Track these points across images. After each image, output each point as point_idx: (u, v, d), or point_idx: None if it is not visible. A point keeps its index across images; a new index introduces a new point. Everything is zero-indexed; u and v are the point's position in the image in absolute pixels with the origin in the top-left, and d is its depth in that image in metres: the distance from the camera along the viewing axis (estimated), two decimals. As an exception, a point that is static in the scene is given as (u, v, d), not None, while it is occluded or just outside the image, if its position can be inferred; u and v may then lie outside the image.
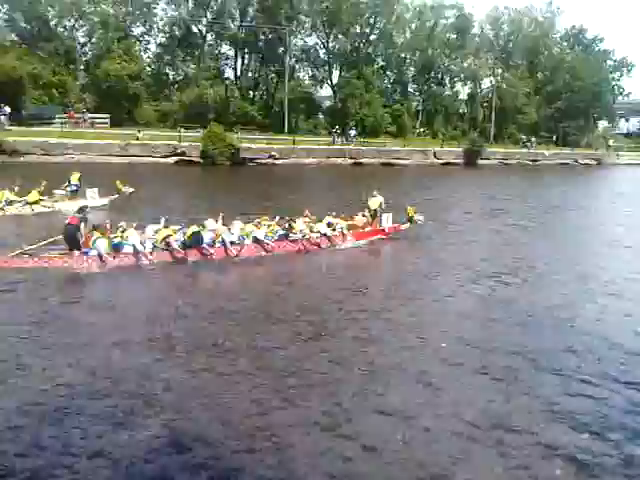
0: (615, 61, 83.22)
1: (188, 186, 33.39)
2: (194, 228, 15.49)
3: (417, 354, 9.90)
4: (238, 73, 62.58)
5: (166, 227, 15.49)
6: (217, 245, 15.77)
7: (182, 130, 46.24)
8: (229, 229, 16.29)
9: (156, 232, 15.37)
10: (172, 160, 42.62)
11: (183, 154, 43.12)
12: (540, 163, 64.27)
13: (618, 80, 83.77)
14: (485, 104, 73.05)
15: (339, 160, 49.88)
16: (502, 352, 10.16)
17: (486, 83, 75.31)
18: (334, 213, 18.73)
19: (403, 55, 68.67)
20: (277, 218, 17.62)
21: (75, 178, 23.00)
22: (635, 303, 13.51)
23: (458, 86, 74.95)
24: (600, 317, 12.37)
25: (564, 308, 12.89)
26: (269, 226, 17.04)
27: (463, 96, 75.57)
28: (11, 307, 11.39)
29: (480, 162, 58.81)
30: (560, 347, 10.53)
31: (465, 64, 72.40)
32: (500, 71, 74.24)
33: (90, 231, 14.64)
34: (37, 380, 8.29)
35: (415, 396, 8.42)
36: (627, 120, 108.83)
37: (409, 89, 71.42)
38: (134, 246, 14.62)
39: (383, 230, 19.51)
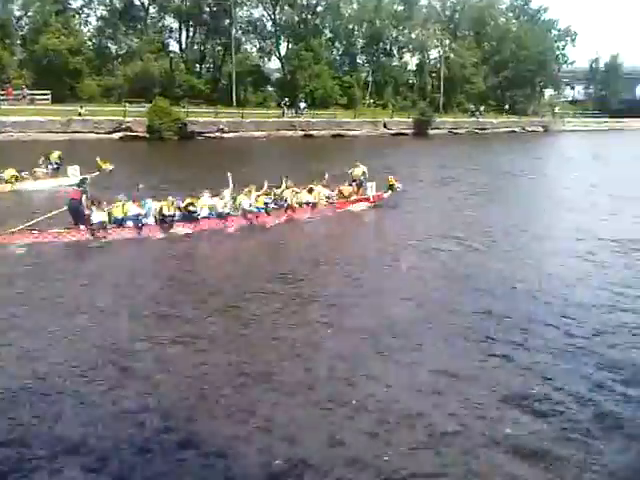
0: (559, 30, 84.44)
1: (136, 162, 32.04)
2: (188, 200, 16.02)
3: (388, 317, 10.07)
4: (183, 46, 61.09)
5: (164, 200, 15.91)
6: (211, 216, 16.26)
7: (127, 105, 45.04)
8: (221, 199, 16.58)
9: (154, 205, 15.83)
10: (117, 136, 41.60)
11: (128, 129, 42.12)
12: (489, 131, 65.13)
13: (562, 49, 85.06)
14: (434, 74, 73.32)
15: (289, 133, 49.58)
16: (459, 312, 10.42)
17: (434, 54, 75.68)
18: (321, 181, 19.32)
19: (351, 26, 68.05)
20: (265, 187, 17.70)
21: (55, 157, 23.54)
22: (583, 260, 14.02)
23: (407, 57, 74.91)
24: (552, 275, 12.84)
25: (519, 268, 13.33)
26: (257, 196, 17.15)
27: (412, 67, 75.52)
28: (25, 281, 11.55)
29: (430, 132, 59.28)
30: (511, 306, 10.86)
31: (413, 35, 72.37)
32: (448, 42, 74.42)
33: (91, 205, 15.05)
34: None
35: (383, 357, 8.56)
36: (572, 88, 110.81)
37: (358, 60, 70.89)
38: (135, 218, 15.20)
39: (368, 198, 20.06)
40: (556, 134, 69.07)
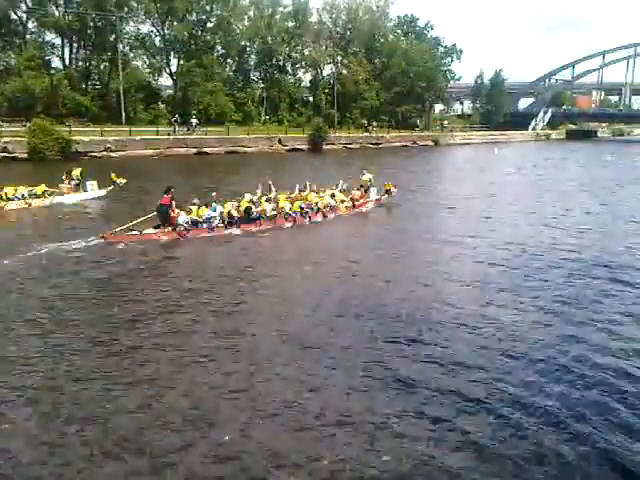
0: (445, 47, 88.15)
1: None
2: (245, 204, 18.77)
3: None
4: (67, 62, 58.44)
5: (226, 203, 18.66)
6: (263, 218, 18.94)
7: (4, 124, 42.37)
8: (270, 203, 19.52)
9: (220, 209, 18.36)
10: (-7, 157, 38.91)
11: (5, 150, 39.51)
12: (382, 146, 66.53)
13: (449, 65, 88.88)
14: (327, 90, 74.31)
15: (181, 150, 48.33)
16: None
17: (327, 70, 76.91)
18: (340, 187, 23.17)
19: (243, 43, 67.82)
20: (297, 191, 21.39)
21: (77, 173, 25.20)
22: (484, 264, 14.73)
23: (300, 73, 75.78)
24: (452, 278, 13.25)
25: (423, 273, 13.56)
26: (294, 201, 20.18)
27: (306, 83, 76.45)
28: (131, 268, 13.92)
29: (325, 147, 59.77)
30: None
31: (305, 51, 73.22)
32: (340, 58, 75.85)
33: (175, 209, 17.47)
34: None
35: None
36: (461, 102, 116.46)
37: (252, 77, 70.97)
38: (208, 220, 17.80)
39: (372, 201, 23.96)
40: (446, 147, 71.73)
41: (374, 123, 71.56)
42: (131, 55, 61.94)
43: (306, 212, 20.00)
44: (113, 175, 24.82)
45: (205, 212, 17.83)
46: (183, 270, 14.15)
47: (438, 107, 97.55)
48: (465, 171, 43.54)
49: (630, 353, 9.21)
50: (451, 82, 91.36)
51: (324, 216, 20.67)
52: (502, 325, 10.38)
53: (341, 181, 23.69)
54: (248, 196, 19.46)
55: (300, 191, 21.37)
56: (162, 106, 62.72)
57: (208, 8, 62.71)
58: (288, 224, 19.28)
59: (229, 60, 69.05)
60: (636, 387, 8.05)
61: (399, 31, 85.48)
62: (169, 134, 50.10)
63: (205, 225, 17.76)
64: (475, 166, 48.00)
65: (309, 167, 42.73)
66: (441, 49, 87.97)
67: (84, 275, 13.17)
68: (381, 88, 77.50)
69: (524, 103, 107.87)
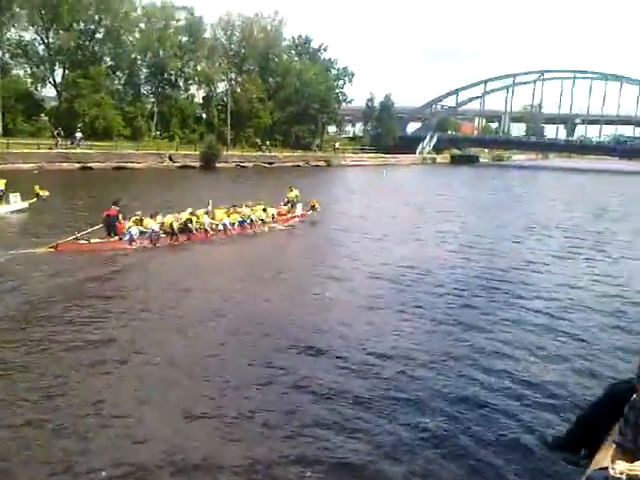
0: (338, 69, 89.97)
1: None
2: (187, 216, 19.89)
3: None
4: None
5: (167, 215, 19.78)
6: (201, 229, 20.32)
7: None
8: (208, 216, 20.84)
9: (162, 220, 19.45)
10: None
11: None
12: (275, 165, 66.72)
13: (342, 88, 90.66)
14: (220, 107, 73.68)
15: (64, 165, 46.12)
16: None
17: (221, 87, 76.22)
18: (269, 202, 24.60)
19: (134, 56, 65.94)
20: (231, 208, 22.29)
21: (1, 184, 24.84)
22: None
23: (193, 89, 74.59)
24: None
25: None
26: (231, 214, 21.74)
27: (199, 99, 75.35)
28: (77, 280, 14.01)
29: (218, 165, 59.11)
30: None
31: (199, 67, 72.22)
32: (234, 75, 75.56)
33: (122, 220, 18.43)
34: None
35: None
36: (353, 125, 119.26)
37: (142, 91, 68.99)
38: (152, 231, 18.68)
39: (298, 215, 25.60)
40: (338, 168, 72.98)
41: (267, 142, 71.72)
42: (12, 63, 58.61)
43: (243, 225, 22.04)
44: (36, 187, 24.94)
45: (150, 224, 18.82)
46: (127, 280, 14.96)
47: (331, 129, 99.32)
48: (358, 192, 44.57)
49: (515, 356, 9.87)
50: (343, 104, 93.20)
51: (257, 228, 22.70)
52: (397, 337, 10.86)
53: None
54: (189, 210, 20.39)
55: (234, 206, 22.58)
56: (45, 118, 59.64)
57: (97, 18, 60.60)
58: (224, 236, 20.98)
59: (118, 73, 66.76)
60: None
61: (293, 51, 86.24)
62: (51, 148, 47.69)
63: (148, 235, 18.70)
64: (368, 187, 49.34)
65: (202, 185, 42.03)
66: (334, 71, 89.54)
67: (36, 282, 13.46)
68: (275, 107, 77.82)
69: (412, 127, 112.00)
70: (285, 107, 78.86)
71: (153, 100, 68.41)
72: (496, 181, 62.83)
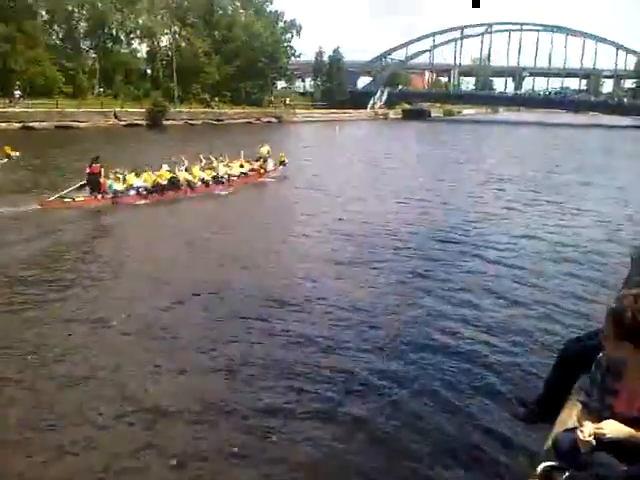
0: (285, 22, 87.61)
1: None
2: (167, 173, 20.28)
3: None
4: None
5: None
6: (183, 186, 20.62)
7: None
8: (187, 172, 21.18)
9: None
10: None
11: None
12: (225, 122, 65.10)
13: (290, 41, 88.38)
14: (165, 62, 71.06)
15: (3, 125, 43.70)
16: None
17: (164, 41, 73.34)
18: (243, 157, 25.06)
19: (70, 8, 62.51)
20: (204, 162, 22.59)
21: None
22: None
23: (136, 44, 71.65)
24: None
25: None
26: (208, 169, 22.17)
27: (143, 54, 72.49)
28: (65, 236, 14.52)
29: (165, 123, 57.31)
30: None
31: (140, 20, 69.18)
32: (177, 29, 72.71)
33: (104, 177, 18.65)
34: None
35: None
36: (303, 80, 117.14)
37: (82, 46, 65.80)
38: (137, 188, 19.16)
39: (271, 170, 26.20)
40: (289, 125, 71.75)
41: (216, 99, 69.77)
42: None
43: (220, 180, 22.25)
44: (6, 148, 24.02)
45: (134, 180, 19.18)
46: (113, 237, 15.71)
47: (281, 84, 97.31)
48: (314, 148, 43.92)
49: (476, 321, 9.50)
50: (292, 59, 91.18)
51: (229, 183, 22.87)
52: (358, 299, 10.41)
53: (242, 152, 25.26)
54: (165, 167, 20.69)
55: (209, 162, 22.86)
56: (-22, 75, 56.24)
57: (29, -32, 57.06)
58: (202, 192, 21.17)
59: (55, 27, 63.46)
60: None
61: (238, 3, 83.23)
62: (-13, 107, 45.19)
63: (133, 192, 19.07)
64: (322, 143, 48.72)
65: (153, 144, 40.61)
66: (281, 24, 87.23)
67: (23, 241, 13.60)
68: (222, 62, 75.47)
69: (363, 82, 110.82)
70: (232, 62, 76.52)
71: (94, 56, 65.43)
72: (448, 136, 62.94)
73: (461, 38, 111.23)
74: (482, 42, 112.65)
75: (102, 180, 18.49)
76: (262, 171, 25.67)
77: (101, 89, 63.22)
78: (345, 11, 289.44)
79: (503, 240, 15.37)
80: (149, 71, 72.29)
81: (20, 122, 45.00)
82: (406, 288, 11.21)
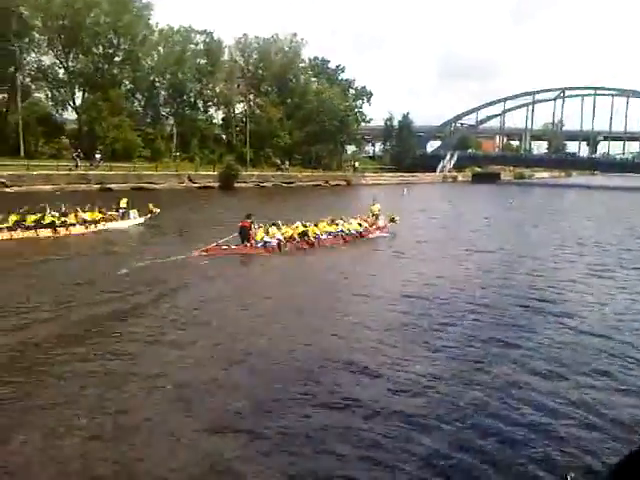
0: (356, 89, 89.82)
1: None
2: (300, 227, 23.29)
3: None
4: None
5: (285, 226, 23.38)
6: (312, 238, 23.25)
7: None
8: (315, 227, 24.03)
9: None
10: None
11: None
12: (295, 185, 66.32)
13: (360, 107, 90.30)
14: (240, 128, 73.75)
15: (83, 186, 46.01)
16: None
17: (239, 108, 76.41)
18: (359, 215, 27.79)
19: (152, 78, 66.29)
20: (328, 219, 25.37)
21: (123, 202, 28.69)
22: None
23: (212, 110, 74.94)
24: None
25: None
26: (333, 225, 25.09)
27: (218, 120, 75.65)
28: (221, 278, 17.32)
29: (237, 185, 58.87)
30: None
31: (217, 89, 72.47)
32: (252, 97, 75.65)
33: (256, 229, 22.15)
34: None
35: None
36: (373, 144, 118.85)
37: (162, 112, 69.31)
38: (278, 239, 22.11)
39: (382, 227, 27.75)
40: (357, 187, 72.35)
41: (287, 162, 71.47)
42: (33, 87, 59.18)
43: (340, 235, 24.75)
44: (150, 205, 28.53)
45: (275, 233, 22.32)
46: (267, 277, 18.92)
47: (350, 148, 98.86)
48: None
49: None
50: (362, 124, 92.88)
51: (355, 238, 25.47)
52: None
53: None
54: (298, 222, 23.67)
55: (332, 220, 25.46)
56: (65, 140, 59.92)
57: (115, 42, 61.03)
58: (327, 245, 23.69)
59: (138, 95, 67.26)
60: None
61: (311, 72, 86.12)
62: (70, 169, 47.71)
63: (274, 243, 21.96)
64: (389, 205, 48.53)
65: (224, 204, 41.68)
66: (352, 91, 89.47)
67: (199, 280, 16.71)
68: (294, 127, 77.67)
69: (432, 146, 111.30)
70: (304, 127, 78.63)
71: (172, 122, 68.65)
72: (520, 200, 61.60)
73: (533, 103, 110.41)
74: (554, 106, 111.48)
75: (251, 232, 21.75)
76: (374, 227, 27.32)
77: (177, 153, 65.94)
78: (416, 76, 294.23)
79: (588, 306, 14.80)
80: (224, 136, 75.11)
81: (99, 183, 47.27)
82: (485, 356, 10.79)
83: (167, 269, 17.47)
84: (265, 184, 63.15)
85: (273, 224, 22.86)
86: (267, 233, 22.16)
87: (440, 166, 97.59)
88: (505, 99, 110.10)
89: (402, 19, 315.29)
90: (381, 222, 28.04)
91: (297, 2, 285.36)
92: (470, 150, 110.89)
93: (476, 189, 79.24)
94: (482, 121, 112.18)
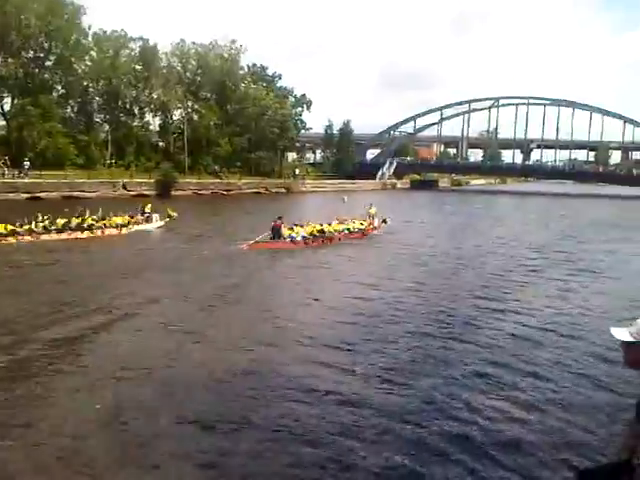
0: (295, 97, 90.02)
1: None
2: (318, 226, 27.77)
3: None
4: None
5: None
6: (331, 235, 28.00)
7: None
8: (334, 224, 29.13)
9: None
10: None
11: None
12: (234, 192, 65.75)
13: (300, 115, 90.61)
14: (178, 135, 72.71)
15: (11, 195, 44.32)
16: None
17: (177, 115, 75.33)
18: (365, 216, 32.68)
19: (86, 83, 64.58)
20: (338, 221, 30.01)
21: (148, 207, 32.11)
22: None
23: (149, 117, 73.56)
24: None
25: None
26: (341, 224, 29.63)
27: (155, 127, 74.28)
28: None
29: (174, 193, 57.91)
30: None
31: (154, 95, 71.25)
32: (190, 103, 74.69)
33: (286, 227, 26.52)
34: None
35: None
36: (313, 152, 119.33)
37: (96, 119, 67.65)
38: (303, 236, 26.48)
39: (377, 227, 31.83)
40: (297, 195, 72.37)
41: (224, 169, 70.88)
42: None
43: (346, 233, 29.03)
44: (169, 209, 32.48)
45: (300, 231, 26.66)
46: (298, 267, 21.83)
47: (291, 155, 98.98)
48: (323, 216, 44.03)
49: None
50: (303, 131, 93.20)
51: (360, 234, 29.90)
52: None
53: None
54: (313, 222, 28.17)
55: (340, 221, 30.02)
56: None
57: (46, 46, 59.23)
58: (342, 240, 28.16)
59: (70, 101, 65.38)
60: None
61: (250, 79, 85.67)
62: (-4, 178, 45.97)
63: (301, 238, 26.33)
64: (330, 211, 48.86)
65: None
66: (292, 99, 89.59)
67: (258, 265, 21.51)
68: (234, 134, 77.12)
69: (372, 154, 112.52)
70: (244, 134, 78.18)
71: (107, 128, 67.04)
72: (457, 205, 62.97)
73: (469, 111, 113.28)
74: (489, 115, 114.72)
75: (282, 231, 26.09)
76: (370, 227, 31.35)
77: (112, 160, 64.42)
78: (360, 86, 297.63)
79: (520, 305, 15.46)
80: (161, 143, 73.89)
81: (27, 192, 45.63)
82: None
83: (231, 257, 22.34)
84: (203, 192, 62.36)
85: (295, 224, 27.25)
86: (292, 230, 26.42)
87: (380, 173, 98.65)
88: (442, 108, 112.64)
89: (345, 29, 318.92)
90: (376, 222, 32.15)
91: (239, 11, 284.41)
92: (408, 158, 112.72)
93: (415, 196, 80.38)
94: (420, 129, 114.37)
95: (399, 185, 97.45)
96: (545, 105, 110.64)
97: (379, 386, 9.34)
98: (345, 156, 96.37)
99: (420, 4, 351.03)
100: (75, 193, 48.80)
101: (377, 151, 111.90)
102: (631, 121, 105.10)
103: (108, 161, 64.12)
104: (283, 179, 79.91)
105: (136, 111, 71.57)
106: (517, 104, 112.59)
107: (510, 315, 14.33)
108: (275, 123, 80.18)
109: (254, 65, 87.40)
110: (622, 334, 3.05)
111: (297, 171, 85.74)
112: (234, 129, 77.44)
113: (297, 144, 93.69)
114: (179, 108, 74.36)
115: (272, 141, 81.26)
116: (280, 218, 26.93)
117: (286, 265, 22.24)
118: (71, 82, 62.17)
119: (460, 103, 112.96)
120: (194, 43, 78.20)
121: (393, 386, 9.31)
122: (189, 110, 74.61)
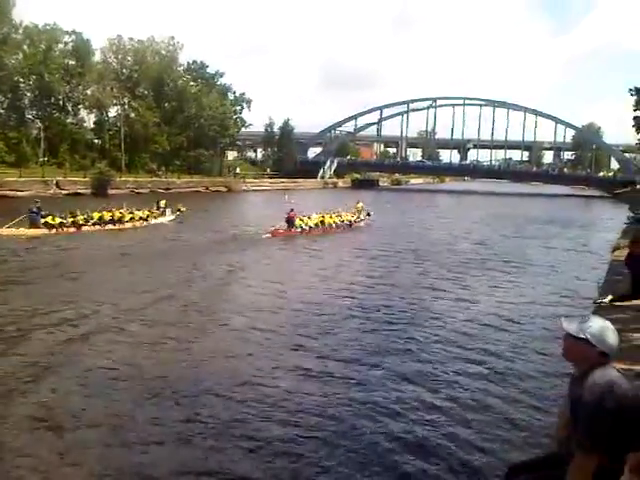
0: (235, 94, 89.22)
1: None
2: (320, 218, 32.63)
3: None
4: None
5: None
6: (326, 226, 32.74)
7: None
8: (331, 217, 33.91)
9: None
10: None
11: None
12: (173, 191, 64.54)
13: (240, 113, 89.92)
14: (114, 133, 71.02)
15: None
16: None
17: (113, 112, 73.62)
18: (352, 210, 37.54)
19: (16, 78, 62.24)
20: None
21: (163, 203, 36.22)
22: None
23: (83, 114, 71.53)
24: None
25: None
26: (337, 217, 34.41)
27: (90, 124, 72.32)
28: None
29: (111, 192, 56.46)
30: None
31: (89, 91, 69.35)
32: (127, 100, 73.05)
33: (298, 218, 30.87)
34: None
35: None
36: (254, 150, 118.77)
37: (27, 115, 65.31)
38: (309, 226, 31.16)
39: (363, 219, 37.07)
40: (238, 193, 71.85)
41: (162, 167, 69.61)
42: None
43: (345, 224, 34.40)
44: (179, 205, 36.67)
45: (308, 221, 31.23)
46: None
47: (232, 154, 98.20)
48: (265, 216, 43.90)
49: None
50: (243, 129, 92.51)
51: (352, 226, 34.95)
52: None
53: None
54: (314, 214, 32.60)
55: (337, 212, 35.08)
56: None
57: (-27, 38, 56.87)
58: (336, 230, 33.00)
59: (0, 97, 62.89)
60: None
61: (188, 76, 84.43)
62: None
63: (308, 228, 30.88)
64: (272, 210, 48.91)
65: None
66: (231, 96, 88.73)
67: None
68: (173, 132, 75.88)
69: (313, 153, 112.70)
70: (183, 132, 77.04)
71: (39, 125, 64.82)
72: (397, 204, 63.83)
73: (408, 111, 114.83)
74: (427, 115, 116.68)
75: (295, 221, 30.34)
76: (358, 219, 36.39)
77: (45, 158, 62.33)
78: (301, 85, 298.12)
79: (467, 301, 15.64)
80: (96, 141, 72.01)
81: (-48, 191, 43.68)
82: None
83: (259, 243, 26.68)
84: (141, 190, 61.03)
85: (303, 216, 31.40)
86: (302, 221, 30.84)
87: (321, 172, 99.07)
88: (382, 107, 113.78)
89: (286, 28, 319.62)
90: (362, 216, 37.28)
91: (181, 11, 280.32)
92: (349, 157, 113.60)
93: (356, 194, 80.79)
94: (360, 129, 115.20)
95: (340, 184, 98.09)
96: (481, 106, 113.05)
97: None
98: (286, 155, 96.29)
99: (362, 3, 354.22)
100: (5, 192, 46.96)
101: (319, 150, 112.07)
102: (563, 122, 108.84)
103: (41, 159, 61.99)
104: (224, 178, 79.15)
105: (70, 107, 69.51)
106: (454, 105, 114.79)
107: (450, 306, 14.78)
108: (215, 121, 79.36)
109: (194, 62, 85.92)
110: (571, 327, 3.18)
111: (238, 169, 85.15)
112: (173, 127, 76.20)
113: (238, 142, 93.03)
114: (115, 105, 72.73)
115: (212, 139, 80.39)
116: (292, 210, 31.16)
117: (298, 251, 25.53)
118: (0, 77, 59.74)
119: (399, 103, 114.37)
120: (131, 39, 76.72)
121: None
122: (126, 107, 72.97)
